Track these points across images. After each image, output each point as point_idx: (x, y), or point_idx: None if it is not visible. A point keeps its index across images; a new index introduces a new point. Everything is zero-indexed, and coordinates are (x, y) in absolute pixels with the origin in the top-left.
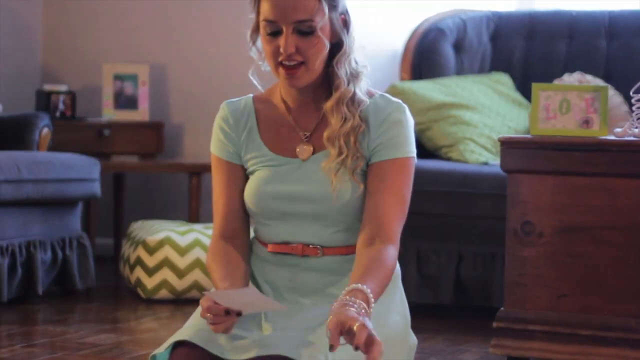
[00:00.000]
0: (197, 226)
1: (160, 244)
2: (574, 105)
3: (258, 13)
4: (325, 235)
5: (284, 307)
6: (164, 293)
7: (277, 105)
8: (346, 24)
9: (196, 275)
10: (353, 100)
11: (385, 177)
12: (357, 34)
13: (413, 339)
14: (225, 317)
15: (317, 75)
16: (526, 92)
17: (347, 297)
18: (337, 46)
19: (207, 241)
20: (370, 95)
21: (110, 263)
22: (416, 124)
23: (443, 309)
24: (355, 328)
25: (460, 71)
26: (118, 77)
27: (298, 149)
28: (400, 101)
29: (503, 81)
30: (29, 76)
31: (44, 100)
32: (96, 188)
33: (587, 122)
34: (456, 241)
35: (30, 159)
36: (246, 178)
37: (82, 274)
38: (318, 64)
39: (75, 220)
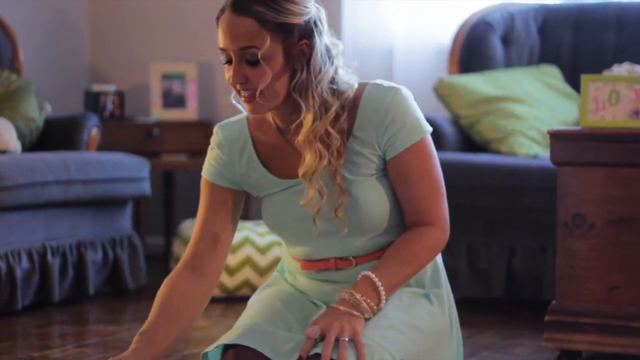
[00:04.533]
0: (248, 224)
1: None
2: (623, 96)
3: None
4: (354, 246)
5: None
6: (215, 292)
7: (271, 126)
8: (309, 49)
9: (247, 273)
10: (325, 136)
11: (407, 167)
12: (340, 53)
13: (457, 330)
14: None
15: (277, 102)
16: (575, 84)
17: (347, 292)
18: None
19: (257, 239)
20: (361, 89)
21: (161, 262)
22: (465, 117)
23: (494, 302)
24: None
25: (508, 64)
26: (166, 76)
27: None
28: (393, 85)
29: (552, 73)
30: (76, 77)
31: (93, 101)
32: (146, 187)
33: (637, 113)
34: (507, 234)
35: (80, 159)
36: (237, 202)
37: (133, 274)
38: (271, 93)
39: (126, 220)
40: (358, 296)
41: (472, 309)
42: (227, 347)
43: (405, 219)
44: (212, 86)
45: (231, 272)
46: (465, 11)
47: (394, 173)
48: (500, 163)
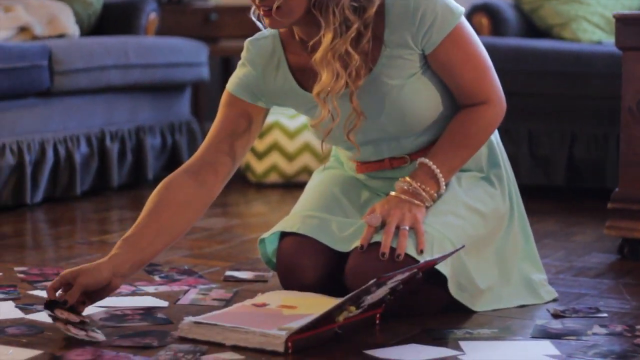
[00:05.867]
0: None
1: (270, 127)
2: None
3: None
4: (406, 144)
5: None
6: (273, 177)
7: (298, 44)
8: None
9: (306, 158)
10: (345, 55)
11: (449, 56)
12: None
13: (521, 214)
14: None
15: (294, 18)
16: None
17: (405, 182)
18: None
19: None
20: None
21: None
22: (527, 2)
23: (556, 190)
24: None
25: None
26: None
27: None
28: None
29: None
30: None
31: None
32: (204, 72)
33: None
34: (569, 121)
35: (138, 43)
36: (257, 120)
37: None
38: (288, 8)
39: (184, 105)
40: (416, 184)
41: (533, 197)
42: (284, 234)
43: (458, 103)
44: None
45: (290, 157)
46: None
47: (437, 65)
48: (564, 49)
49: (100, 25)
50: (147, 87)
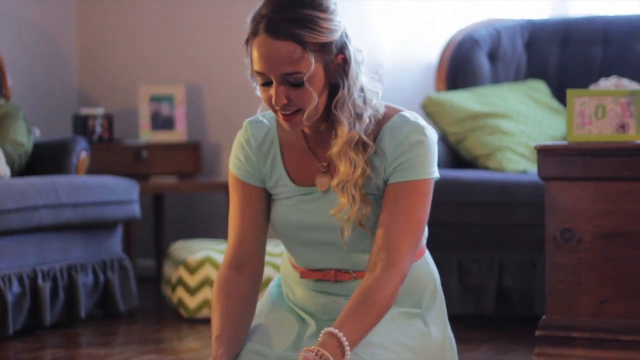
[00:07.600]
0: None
1: (201, 263)
2: (609, 110)
3: (251, 59)
4: (356, 260)
5: None
6: (206, 312)
7: (297, 132)
8: (346, 62)
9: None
10: (359, 144)
11: (399, 199)
12: (366, 57)
13: (452, 347)
14: None
15: (316, 117)
16: (562, 99)
17: (314, 350)
18: (337, 87)
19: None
20: (389, 114)
21: (152, 284)
22: (453, 134)
23: (485, 319)
24: None
25: (495, 80)
26: (154, 98)
27: (317, 181)
28: (419, 122)
29: (539, 88)
30: (65, 100)
31: (81, 124)
32: (135, 210)
33: (623, 127)
34: (497, 250)
35: (69, 183)
36: (267, 200)
37: (124, 296)
38: (313, 110)
39: (116, 243)
40: (327, 355)
41: (463, 326)
42: None
43: (372, 250)
44: (200, 108)
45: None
46: (451, 28)
47: (386, 197)
48: (489, 179)
49: (32, 164)
50: (79, 226)
